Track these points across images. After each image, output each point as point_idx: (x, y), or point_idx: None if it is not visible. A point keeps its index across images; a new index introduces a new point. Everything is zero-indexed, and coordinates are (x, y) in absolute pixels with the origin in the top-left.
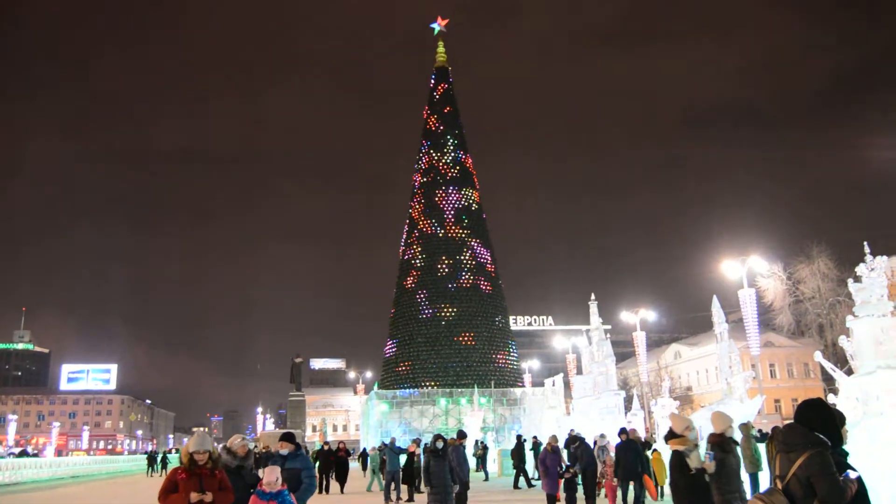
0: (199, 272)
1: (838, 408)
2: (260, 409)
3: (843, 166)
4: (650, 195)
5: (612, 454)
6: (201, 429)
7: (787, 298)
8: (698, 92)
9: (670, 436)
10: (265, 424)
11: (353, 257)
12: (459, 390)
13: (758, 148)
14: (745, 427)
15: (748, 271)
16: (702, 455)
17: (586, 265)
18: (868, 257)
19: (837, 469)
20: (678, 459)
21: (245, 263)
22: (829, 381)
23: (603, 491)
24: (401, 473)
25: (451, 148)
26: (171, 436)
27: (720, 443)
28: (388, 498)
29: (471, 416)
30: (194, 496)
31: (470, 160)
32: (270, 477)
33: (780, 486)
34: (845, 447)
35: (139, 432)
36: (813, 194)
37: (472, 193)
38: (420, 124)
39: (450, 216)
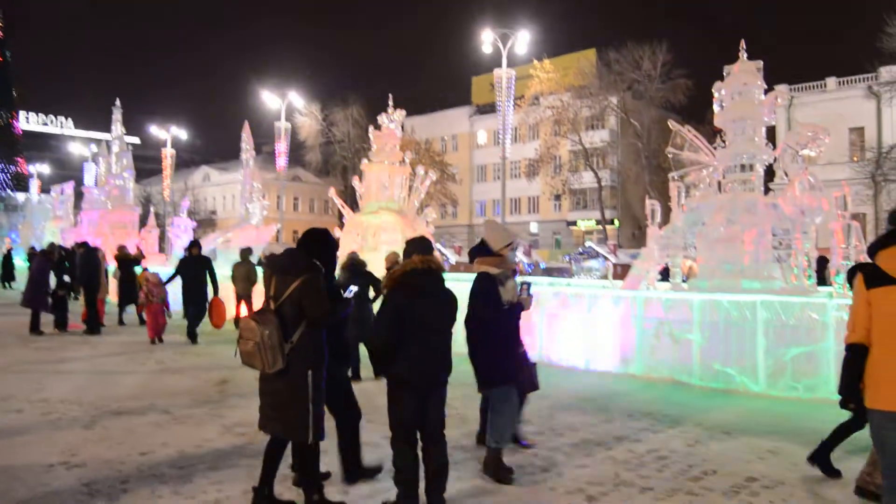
0: None
1: (342, 240)
2: None
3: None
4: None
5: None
6: None
7: (320, 138)
8: None
9: (480, 252)
10: None
11: None
12: None
13: None
14: (259, 253)
15: (287, 105)
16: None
17: (120, 71)
18: (390, 109)
19: (330, 292)
20: (486, 285)
21: None
22: (343, 217)
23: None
24: None
25: None
26: None
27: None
28: None
29: None
30: None
31: None
32: None
33: (273, 306)
34: (336, 273)
35: None
36: (368, 44)
37: None
38: None
39: None
